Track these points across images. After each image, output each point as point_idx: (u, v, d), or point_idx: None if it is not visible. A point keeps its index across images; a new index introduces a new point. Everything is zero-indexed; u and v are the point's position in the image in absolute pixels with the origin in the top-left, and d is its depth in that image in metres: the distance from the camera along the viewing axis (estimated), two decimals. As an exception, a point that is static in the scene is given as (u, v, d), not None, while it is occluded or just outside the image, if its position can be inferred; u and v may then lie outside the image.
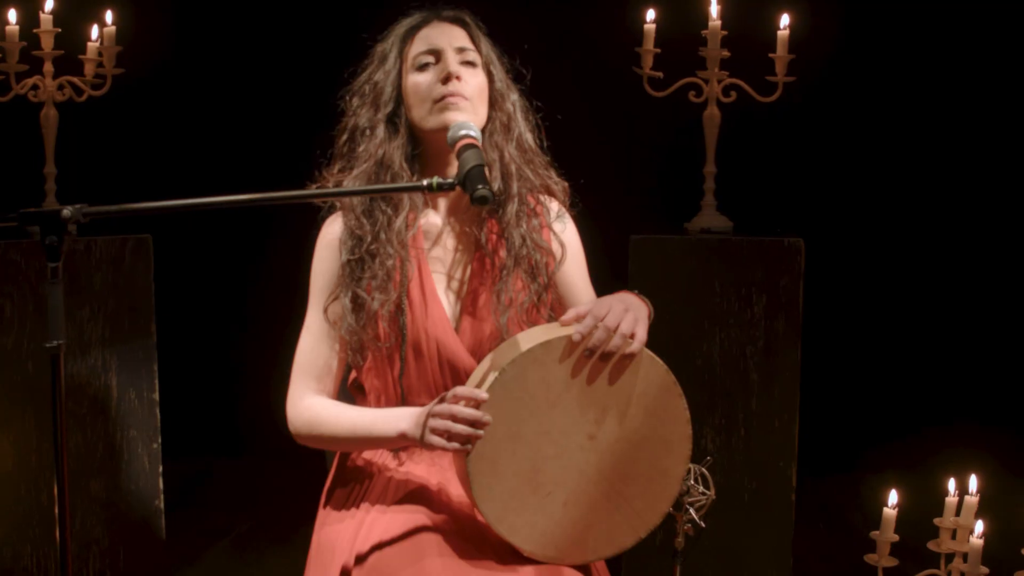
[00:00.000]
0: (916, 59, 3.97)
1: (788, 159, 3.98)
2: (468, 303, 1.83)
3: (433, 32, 1.82)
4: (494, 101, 1.84)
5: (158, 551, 2.73)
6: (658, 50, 2.87)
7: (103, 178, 3.61)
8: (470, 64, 1.81)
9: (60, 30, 2.71)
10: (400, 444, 1.78)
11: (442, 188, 1.58)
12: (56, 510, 1.36)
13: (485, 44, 1.85)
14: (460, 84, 1.77)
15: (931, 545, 2.24)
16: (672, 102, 2.89)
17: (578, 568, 1.73)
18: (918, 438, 3.62)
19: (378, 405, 1.83)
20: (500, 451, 1.66)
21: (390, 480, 1.82)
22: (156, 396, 2.65)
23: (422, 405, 1.77)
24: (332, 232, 1.85)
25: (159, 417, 2.65)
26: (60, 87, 2.73)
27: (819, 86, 3.58)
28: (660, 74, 2.86)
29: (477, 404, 1.62)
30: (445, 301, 1.84)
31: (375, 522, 1.76)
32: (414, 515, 1.75)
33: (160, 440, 2.66)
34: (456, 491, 1.80)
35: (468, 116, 1.76)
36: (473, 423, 1.62)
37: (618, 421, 1.70)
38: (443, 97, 1.76)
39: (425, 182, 1.59)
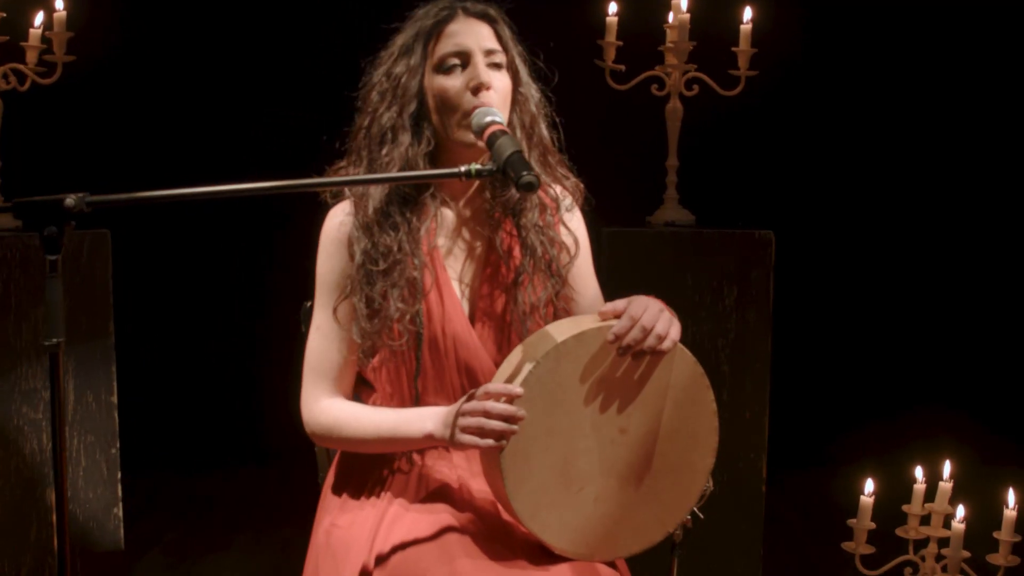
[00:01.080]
0: (878, 52, 4.08)
1: (749, 152, 4.06)
2: (485, 303, 1.80)
3: (461, 29, 1.74)
4: (517, 102, 1.78)
5: (117, 560, 2.66)
6: (620, 43, 2.90)
7: (53, 170, 3.52)
8: (497, 66, 1.75)
9: (5, 15, 2.62)
10: (425, 445, 1.75)
11: (481, 175, 1.55)
12: (53, 517, 1.31)
13: (511, 42, 1.78)
14: (489, 94, 1.71)
15: (899, 531, 2.30)
16: (634, 95, 2.93)
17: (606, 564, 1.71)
18: (889, 427, 3.70)
19: (391, 404, 1.80)
20: (533, 446, 1.64)
21: (407, 479, 1.80)
22: (114, 399, 2.57)
23: (437, 405, 1.75)
24: (340, 227, 1.78)
25: (117, 421, 2.57)
26: (4, 75, 2.64)
27: (782, 79, 3.64)
28: (622, 67, 2.88)
29: (511, 399, 1.59)
30: (462, 301, 1.80)
31: (395, 522, 1.73)
32: (439, 515, 1.73)
33: (119, 445, 2.59)
34: (478, 489, 1.77)
35: None
36: (508, 418, 1.59)
37: (648, 414, 1.68)
38: (473, 109, 1.70)
39: (463, 168, 1.55)
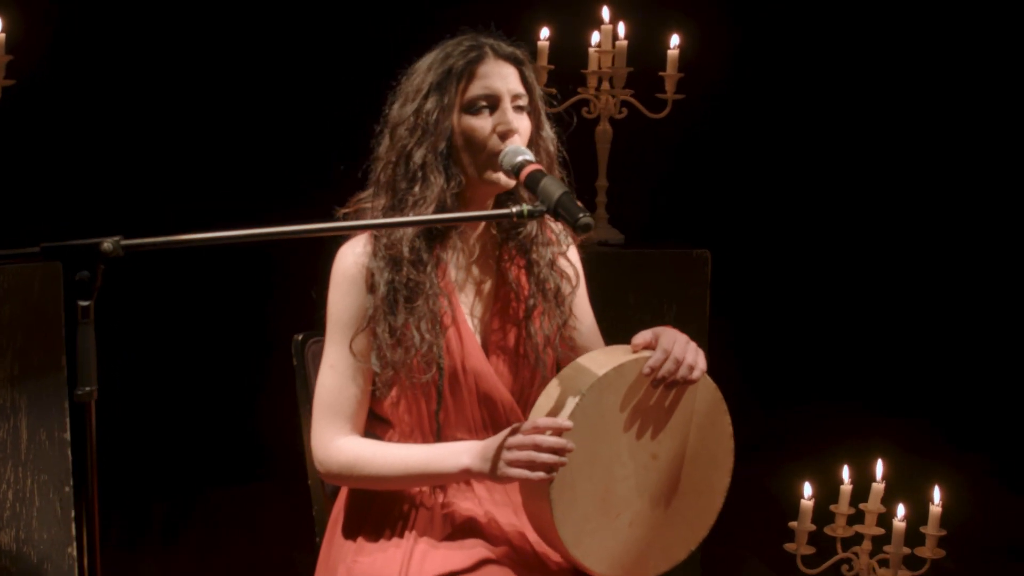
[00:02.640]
0: (806, 73, 4.32)
1: (679, 172, 4.25)
2: (497, 337, 1.85)
3: (491, 71, 1.77)
4: (535, 143, 1.83)
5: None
6: (552, 66, 3.03)
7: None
8: (521, 109, 1.79)
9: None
10: (460, 480, 1.79)
11: (533, 216, 1.58)
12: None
13: (535, 85, 1.83)
14: (515, 138, 1.76)
15: (828, 530, 2.50)
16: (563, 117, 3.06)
17: None
18: (825, 432, 3.89)
19: (411, 439, 1.82)
20: (578, 476, 1.69)
21: (431, 514, 1.81)
22: (67, 436, 2.54)
23: (459, 439, 1.79)
24: (355, 265, 1.79)
25: (71, 458, 2.55)
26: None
27: (711, 102, 3.81)
28: (554, 90, 3.01)
29: (559, 432, 1.65)
30: (475, 334, 1.84)
31: (425, 559, 1.75)
32: (472, 549, 1.76)
33: (72, 483, 2.57)
34: (505, 521, 1.81)
35: None
36: (558, 451, 1.64)
37: (676, 439, 1.79)
38: (499, 151, 1.75)
39: (515, 209, 1.58)
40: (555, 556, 1.79)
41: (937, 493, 2.35)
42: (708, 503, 1.86)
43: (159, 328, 3.99)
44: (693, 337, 2.55)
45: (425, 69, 1.80)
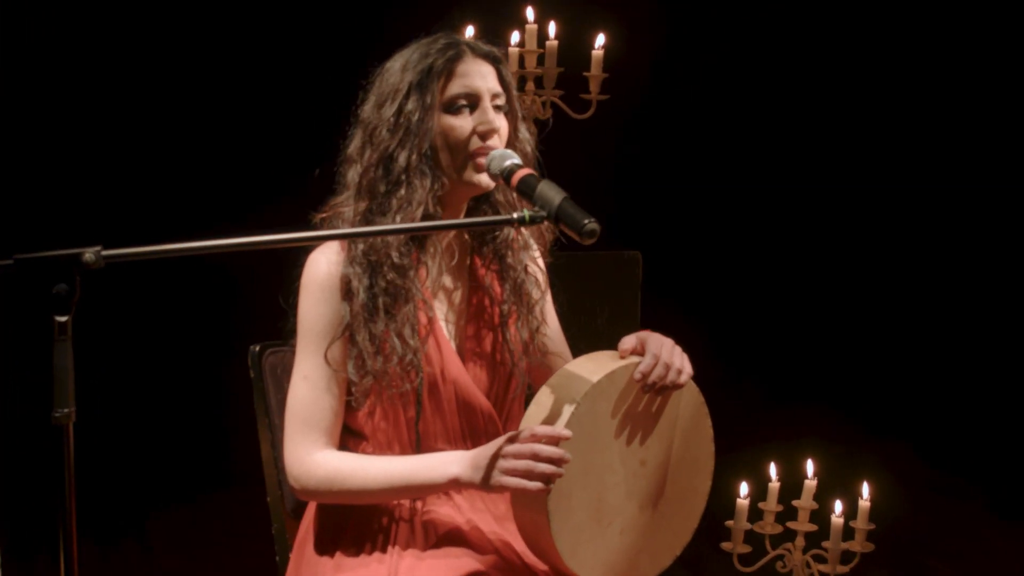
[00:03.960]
0: (732, 74, 4.42)
1: (609, 174, 4.31)
2: (472, 344, 1.83)
3: (470, 70, 1.75)
4: (512, 144, 1.81)
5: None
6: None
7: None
8: (499, 108, 1.78)
9: None
10: (446, 490, 1.75)
11: (535, 222, 1.55)
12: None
13: (511, 84, 1.81)
14: (496, 138, 1.75)
15: (756, 527, 2.55)
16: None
17: None
18: (758, 429, 3.98)
19: (388, 451, 1.78)
20: (574, 486, 1.68)
21: (411, 527, 1.78)
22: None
23: (438, 450, 1.76)
24: (328, 271, 1.74)
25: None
26: None
27: (636, 102, 3.87)
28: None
29: (556, 442, 1.62)
30: (451, 341, 1.81)
31: (413, 571, 1.72)
32: (459, 559, 1.72)
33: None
34: (489, 530, 1.78)
35: None
36: (557, 461, 1.61)
37: (662, 444, 1.78)
38: (479, 153, 1.74)
39: (516, 215, 1.56)
40: (541, 565, 1.77)
41: (866, 488, 2.42)
42: (692, 507, 1.87)
43: (116, 340, 3.91)
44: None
45: (400, 69, 1.77)
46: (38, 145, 3.81)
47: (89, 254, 1.30)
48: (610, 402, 1.71)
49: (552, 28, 3.03)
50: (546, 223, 1.61)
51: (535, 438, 1.63)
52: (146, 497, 3.82)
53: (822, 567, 2.44)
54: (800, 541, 2.50)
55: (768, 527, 2.53)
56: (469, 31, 3.02)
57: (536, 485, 1.61)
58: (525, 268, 1.87)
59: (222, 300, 4.00)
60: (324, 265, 1.75)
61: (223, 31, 3.98)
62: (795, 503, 2.50)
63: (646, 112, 4.24)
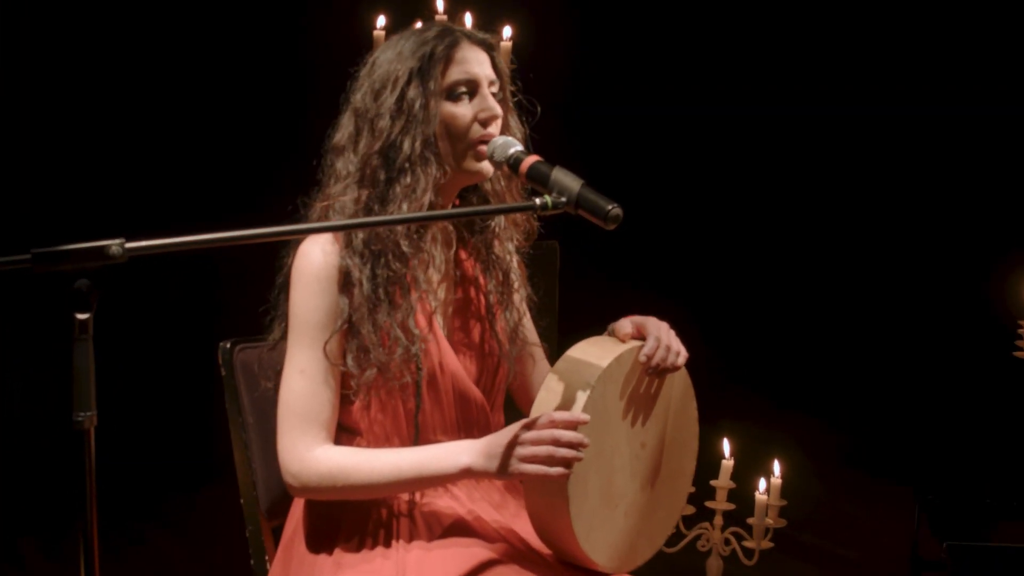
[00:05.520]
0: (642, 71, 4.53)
1: None
2: (460, 335, 1.83)
3: (469, 57, 1.75)
4: (506, 133, 1.81)
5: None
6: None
7: None
8: (494, 96, 1.77)
9: None
10: (457, 480, 1.74)
11: (557, 208, 1.55)
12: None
13: (505, 73, 1.81)
14: (496, 124, 1.76)
15: (709, 503, 2.60)
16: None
17: None
18: None
19: (387, 444, 1.76)
20: (588, 470, 1.69)
21: (411, 520, 1.76)
22: None
23: (436, 441, 1.76)
24: (325, 262, 1.72)
25: None
26: None
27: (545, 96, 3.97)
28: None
29: (574, 427, 1.63)
30: (442, 331, 1.81)
31: (423, 564, 1.70)
32: (470, 548, 1.71)
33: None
34: (491, 518, 1.78)
35: None
36: (576, 446, 1.62)
37: (659, 426, 1.83)
38: (481, 140, 1.74)
39: (538, 201, 1.55)
40: (546, 550, 1.78)
41: (777, 466, 2.52)
42: (682, 487, 1.93)
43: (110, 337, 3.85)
44: (543, 330, 2.65)
45: (394, 57, 1.76)
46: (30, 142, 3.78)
47: (115, 247, 1.24)
48: (618, 385, 1.74)
49: (468, 19, 3.06)
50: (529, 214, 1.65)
51: (554, 423, 1.63)
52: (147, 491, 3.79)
53: (744, 544, 2.54)
54: (719, 520, 2.60)
55: (687, 508, 2.62)
56: (380, 21, 3.04)
57: (557, 470, 1.62)
58: (511, 259, 1.89)
59: (200, 295, 3.99)
60: (320, 256, 1.72)
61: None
62: (712, 483, 2.58)
63: (559, 105, 4.33)
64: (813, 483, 3.75)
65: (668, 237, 4.72)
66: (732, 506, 2.57)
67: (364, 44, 3.07)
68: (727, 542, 2.57)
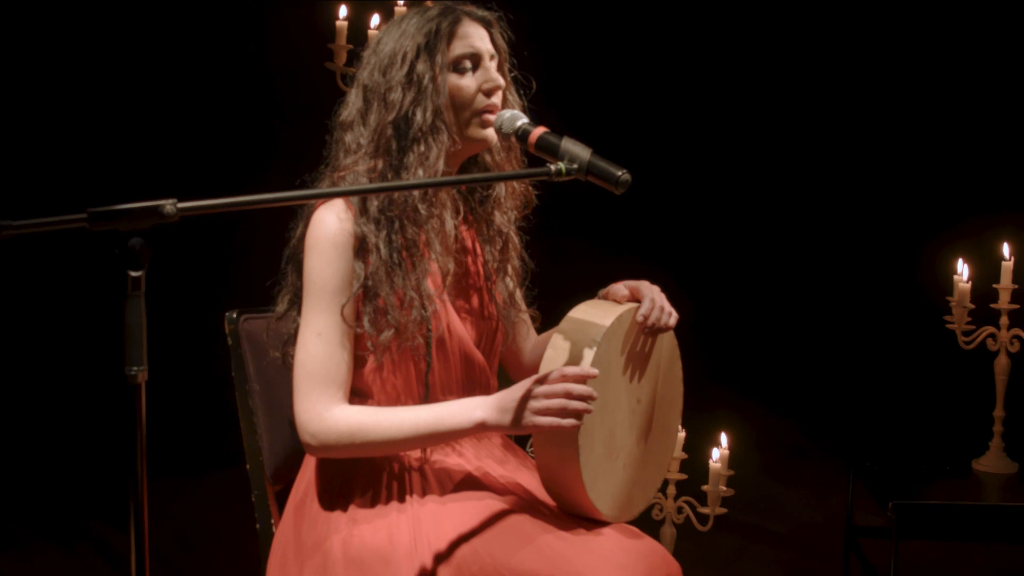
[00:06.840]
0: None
1: None
2: (461, 301, 1.93)
3: (471, 32, 1.87)
4: (505, 107, 1.91)
5: None
6: (351, 46, 3.09)
7: None
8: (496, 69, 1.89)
9: None
10: (473, 435, 1.84)
11: (570, 175, 1.64)
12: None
13: (504, 49, 1.92)
14: (499, 95, 1.87)
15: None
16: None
17: None
18: None
19: (399, 404, 1.85)
20: (595, 423, 1.80)
21: (423, 476, 1.85)
22: None
23: (441, 401, 1.85)
24: (341, 228, 1.80)
25: None
26: None
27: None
28: (353, 70, 3.09)
29: (585, 380, 1.74)
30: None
31: (438, 517, 1.79)
32: (484, 501, 1.81)
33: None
34: (498, 473, 1.89)
35: None
36: (587, 398, 1.72)
37: (651, 383, 1.97)
38: (486, 110, 1.85)
39: (553, 168, 1.64)
40: (551, 502, 1.88)
41: (724, 438, 2.67)
42: (670, 442, 2.08)
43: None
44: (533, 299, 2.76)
45: (399, 36, 1.87)
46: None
47: (168, 206, 1.28)
48: (619, 343, 1.87)
49: (375, 20, 3.07)
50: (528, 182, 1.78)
51: (565, 378, 1.74)
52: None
53: (698, 511, 2.69)
54: (672, 489, 2.75)
55: (681, 475, 2.71)
56: (342, 11, 3.09)
57: (570, 422, 1.73)
58: (509, 228, 1.99)
59: (199, 266, 4.00)
60: (335, 222, 1.80)
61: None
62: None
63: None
64: (752, 455, 3.88)
65: (616, 221, 4.83)
66: (684, 476, 2.71)
67: (328, 35, 3.15)
68: (680, 510, 2.71)
